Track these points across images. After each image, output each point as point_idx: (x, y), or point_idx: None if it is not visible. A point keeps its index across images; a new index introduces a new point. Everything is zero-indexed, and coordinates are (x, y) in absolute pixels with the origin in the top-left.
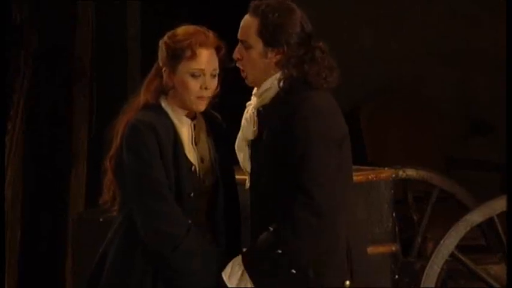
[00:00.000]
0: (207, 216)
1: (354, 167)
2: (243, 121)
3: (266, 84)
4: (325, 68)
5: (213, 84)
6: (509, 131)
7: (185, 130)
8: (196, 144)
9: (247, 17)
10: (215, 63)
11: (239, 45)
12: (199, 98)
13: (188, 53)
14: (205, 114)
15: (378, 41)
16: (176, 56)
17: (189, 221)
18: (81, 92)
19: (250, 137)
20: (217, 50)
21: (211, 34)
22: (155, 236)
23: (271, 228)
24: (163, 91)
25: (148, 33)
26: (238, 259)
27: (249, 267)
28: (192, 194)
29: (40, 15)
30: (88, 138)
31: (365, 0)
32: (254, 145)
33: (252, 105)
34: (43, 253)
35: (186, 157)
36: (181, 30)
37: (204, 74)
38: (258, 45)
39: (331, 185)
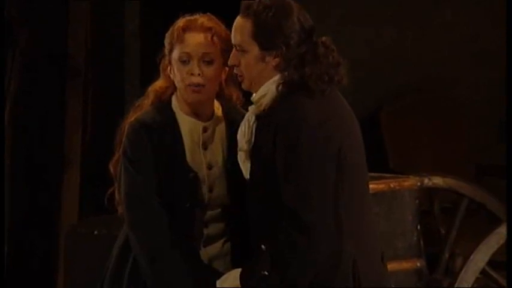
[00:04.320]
0: (223, 229)
1: (375, 174)
2: (239, 130)
3: (263, 89)
4: (329, 66)
5: (207, 71)
6: (509, 131)
7: (190, 132)
8: (206, 148)
9: (238, 18)
10: (206, 48)
11: (234, 51)
12: (189, 86)
13: (175, 38)
14: (227, 115)
15: (401, 39)
16: (169, 45)
17: (177, 234)
18: (74, 93)
19: (245, 147)
20: (210, 33)
21: (202, 18)
22: (136, 245)
23: (263, 247)
24: (170, 87)
25: (149, 29)
26: (236, 271)
27: (243, 284)
28: (188, 204)
29: (30, 10)
30: (82, 144)
31: None
32: (251, 156)
33: (249, 112)
34: (32, 269)
35: (186, 163)
36: (178, 19)
37: (191, 59)
38: (253, 49)
39: (321, 200)
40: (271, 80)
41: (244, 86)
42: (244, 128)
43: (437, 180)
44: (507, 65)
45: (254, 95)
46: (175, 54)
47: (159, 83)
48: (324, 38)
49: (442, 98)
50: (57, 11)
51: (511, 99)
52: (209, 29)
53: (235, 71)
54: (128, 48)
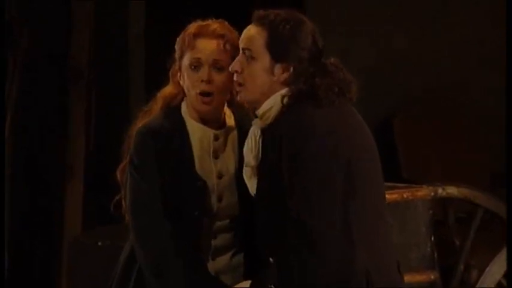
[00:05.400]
0: (232, 240)
1: (388, 184)
2: (245, 145)
3: (269, 103)
4: (339, 82)
5: (218, 78)
6: (509, 132)
7: (200, 140)
8: (216, 157)
9: (252, 27)
10: (218, 55)
11: (240, 56)
12: (200, 94)
13: (186, 44)
14: (239, 123)
15: (412, 44)
16: (180, 50)
17: (183, 242)
18: (77, 97)
19: (252, 163)
20: (222, 40)
21: (215, 25)
22: (141, 253)
23: (271, 260)
24: (179, 94)
25: (154, 32)
26: (246, 283)
27: None
28: (196, 213)
29: (31, 12)
30: (85, 150)
31: (399, 2)
32: (259, 172)
33: (254, 126)
34: (34, 278)
35: (195, 170)
36: (190, 25)
37: (202, 65)
38: (264, 58)
39: (328, 208)
40: (278, 94)
41: (241, 96)
42: (251, 143)
43: (452, 190)
44: (507, 66)
45: (260, 108)
46: (186, 60)
47: (168, 89)
48: (332, 60)
49: (456, 104)
50: (59, 12)
51: (511, 101)
52: (221, 36)
53: (235, 78)
54: (132, 50)
